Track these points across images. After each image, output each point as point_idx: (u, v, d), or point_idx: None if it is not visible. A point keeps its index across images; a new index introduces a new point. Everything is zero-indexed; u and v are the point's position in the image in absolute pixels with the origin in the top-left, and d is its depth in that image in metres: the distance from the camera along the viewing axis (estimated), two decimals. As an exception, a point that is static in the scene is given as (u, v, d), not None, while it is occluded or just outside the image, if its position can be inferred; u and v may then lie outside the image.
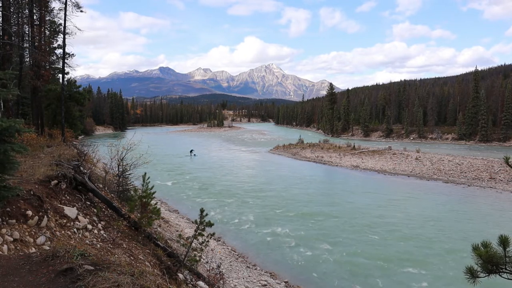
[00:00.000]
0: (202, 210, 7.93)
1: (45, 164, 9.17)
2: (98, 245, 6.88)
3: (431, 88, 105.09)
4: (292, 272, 14.03)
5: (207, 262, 12.73)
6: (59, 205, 7.63)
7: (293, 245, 16.94)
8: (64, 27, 20.29)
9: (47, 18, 22.79)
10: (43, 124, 22.80)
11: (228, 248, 16.19)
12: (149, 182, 8.61)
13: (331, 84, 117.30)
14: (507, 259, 2.83)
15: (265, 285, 12.45)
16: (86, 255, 4.45)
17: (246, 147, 68.62)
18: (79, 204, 8.57)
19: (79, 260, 4.24)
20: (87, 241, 7.03)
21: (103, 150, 17.81)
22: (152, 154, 23.76)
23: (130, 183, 14.92)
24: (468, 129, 79.98)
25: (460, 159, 41.69)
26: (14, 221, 5.97)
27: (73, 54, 30.71)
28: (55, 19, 24.24)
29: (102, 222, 8.48)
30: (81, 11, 20.26)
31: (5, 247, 5.37)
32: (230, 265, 13.93)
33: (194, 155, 52.32)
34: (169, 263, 8.03)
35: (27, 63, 22.57)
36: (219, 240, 17.11)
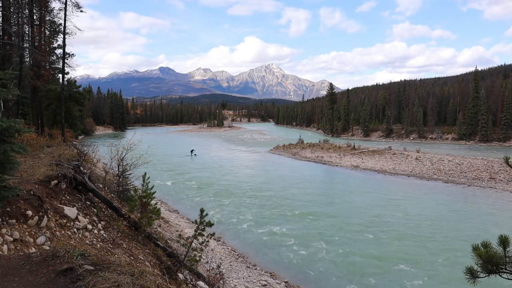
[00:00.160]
0: (202, 210, 7.93)
1: (45, 164, 9.18)
2: (98, 245, 6.88)
3: (431, 88, 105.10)
4: (292, 272, 14.04)
5: (207, 262, 12.73)
6: (59, 205, 7.63)
7: (292, 245, 16.95)
8: (64, 27, 20.30)
9: (47, 18, 22.80)
10: (43, 124, 22.79)
11: (228, 248, 16.19)
12: (149, 182, 8.61)
13: (331, 84, 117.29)
14: (507, 259, 2.83)
15: (265, 285, 12.45)
16: (86, 255, 4.45)
17: (246, 147, 68.62)
18: (79, 204, 8.57)
19: (79, 260, 4.24)
20: (87, 241, 7.03)
21: (103, 150, 17.81)
22: (152, 154, 23.76)
23: (130, 183, 14.92)
24: (468, 129, 79.98)
25: (460, 159, 41.69)
26: (14, 221, 5.97)
27: (73, 54, 30.75)
28: (55, 19, 24.26)
29: (102, 222, 8.48)
30: (81, 11, 20.29)
31: (5, 247, 5.37)
32: (230, 265, 13.93)
33: (195, 155, 52.35)
34: (169, 263, 8.03)
35: (27, 63, 22.57)
36: (219, 240, 17.11)
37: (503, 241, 2.81)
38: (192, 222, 17.70)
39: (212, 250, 14.68)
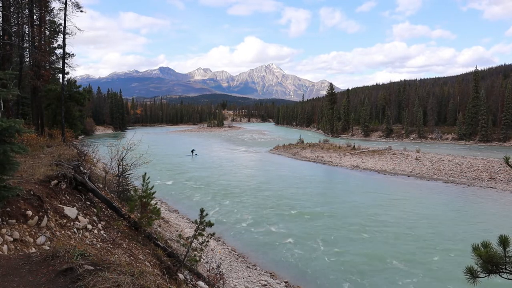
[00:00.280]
0: (202, 210, 7.93)
1: (45, 164, 9.17)
2: (98, 245, 6.88)
3: (431, 88, 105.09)
4: (292, 272, 14.04)
5: (207, 262, 12.73)
6: (59, 205, 7.63)
7: (292, 244, 16.95)
8: (64, 27, 20.30)
9: (47, 18, 22.79)
10: (43, 124, 22.79)
11: (228, 248, 16.19)
12: (149, 182, 8.61)
13: (331, 84, 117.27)
14: (507, 259, 2.83)
15: (265, 285, 12.45)
16: (86, 255, 4.45)
17: (246, 147, 68.62)
18: (79, 204, 8.57)
19: (79, 260, 4.24)
20: (87, 241, 7.03)
21: (103, 150, 17.81)
22: (152, 154, 23.76)
23: (130, 183, 14.92)
24: (468, 129, 79.98)
25: (460, 159, 41.69)
26: (14, 221, 5.97)
27: (73, 54, 30.75)
28: (55, 19, 24.26)
29: (102, 222, 8.48)
30: (81, 11, 20.28)
31: (5, 247, 5.37)
32: (230, 265, 13.93)
33: (196, 154, 52.47)
34: (169, 263, 8.03)
35: (27, 63, 22.57)
36: (219, 240, 17.11)
37: (503, 241, 2.81)
38: (192, 222, 17.70)
39: (212, 250, 14.68)
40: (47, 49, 23.54)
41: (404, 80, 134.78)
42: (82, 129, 48.66)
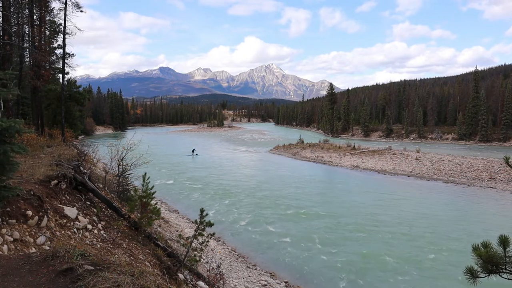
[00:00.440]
0: (202, 210, 7.93)
1: (45, 164, 9.17)
2: (98, 245, 6.88)
3: (431, 88, 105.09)
4: (292, 272, 14.04)
5: (207, 262, 12.73)
6: (59, 205, 7.63)
7: (292, 244, 16.94)
8: (64, 27, 20.30)
9: (47, 18, 22.79)
10: (43, 124, 22.80)
11: (228, 248, 16.19)
12: (149, 182, 8.61)
13: (331, 84, 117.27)
14: (507, 259, 2.83)
15: (265, 285, 12.45)
16: (86, 255, 4.45)
17: (246, 147, 68.61)
18: (79, 204, 8.57)
19: (79, 260, 4.24)
20: (87, 241, 7.03)
21: (103, 150, 17.80)
22: (152, 154, 23.75)
23: (130, 183, 14.92)
24: (468, 129, 79.97)
25: (460, 159, 41.68)
26: (14, 221, 5.97)
27: (73, 54, 30.75)
28: (55, 19, 24.26)
29: (102, 222, 8.48)
30: (81, 11, 20.29)
31: (5, 247, 5.37)
32: (230, 265, 13.92)
33: (196, 154, 52.58)
34: (169, 263, 8.03)
35: (27, 63, 22.57)
36: (219, 240, 17.11)
37: (503, 241, 2.81)
38: (192, 222, 17.70)
39: (212, 250, 14.68)
40: (47, 49, 23.54)
41: (404, 80, 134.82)
42: (82, 129, 48.67)
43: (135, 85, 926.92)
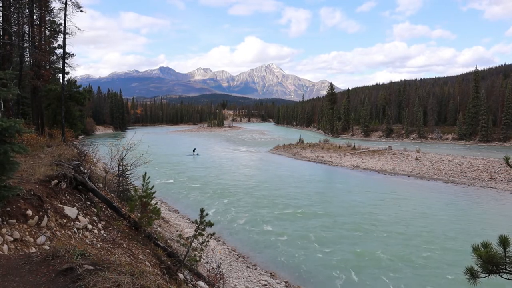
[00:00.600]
0: (202, 210, 7.93)
1: (45, 164, 9.18)
2: (98, 245, 6.88)
3: (431, 88, 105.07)
4: (292, 272, 14.04)
5: (207, 262, 12.73)
6: (59, 205, 7.63)
7: (292, 244, 16.93)
8: (64, 27, 20.30)
9: (47, 18, 22.80)
10: (43, 124, 22.80)
11: (228, 248, 16.18)
12: (149, 182, 8.61)
13: (331, 84, 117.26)
14: (507, 259, 2.83)
15: (265, 285, 12.45)
16: (86, 255, 4.45)
17: (246, 147, 68.61)
18: (79, 204, 8.57)
19: (79, 260, 4.24)
20: (87, 241, 7.03)
21: (103, 150, 17.80)
22: (152, 154, 23.77)
23: (130, 183, 14.92)
24: (468, 129, 79.97)
25: (460, 159, 41.67)
26: (14, 221, 5.97)
27: (73, 54, 30.74)
28: (55, 19, 24.27)
29: (102, 222, 8.48)
30: (81, 11, 20.30)
31: (5, 247, 5.37)
32: (230, 265, 13.93)
33: (197, 154, 52.69)
34: (169, 263, 8.03)
35: (27, 63, 22.58)
36: (219, 240, 17.11)
37: (503, 241, 2.81)
38: (192, 222, 17.70)
39: (212, 250, 14.68)
40: (47, 49, 23.54)
41: (404, 80, 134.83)
42: (82, 129, 48.68)
43: (135, 85, 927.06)
